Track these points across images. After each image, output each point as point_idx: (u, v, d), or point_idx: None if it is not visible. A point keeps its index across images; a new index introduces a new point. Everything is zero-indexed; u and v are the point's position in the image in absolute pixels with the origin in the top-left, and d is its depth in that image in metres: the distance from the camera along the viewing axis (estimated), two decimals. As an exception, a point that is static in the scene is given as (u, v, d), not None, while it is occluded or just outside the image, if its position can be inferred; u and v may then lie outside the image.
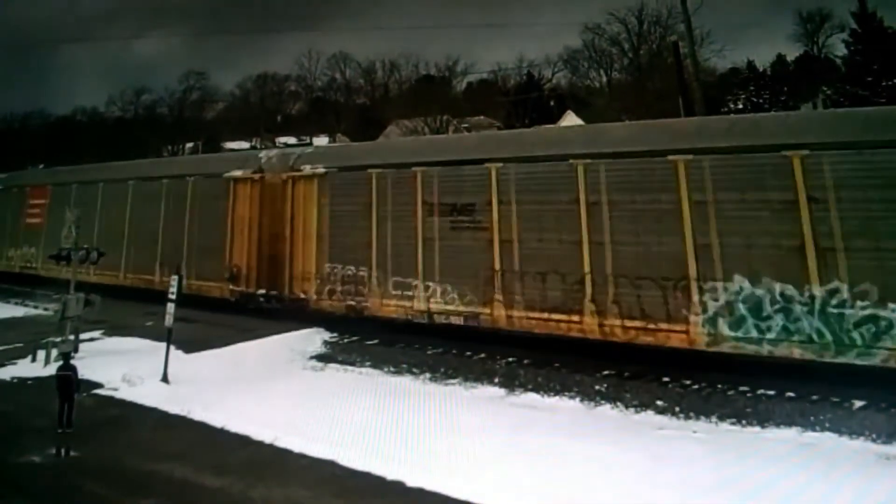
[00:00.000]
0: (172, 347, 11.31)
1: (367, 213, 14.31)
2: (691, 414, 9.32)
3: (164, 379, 10.87)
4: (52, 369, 9.88)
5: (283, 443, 8.25)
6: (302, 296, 15.06)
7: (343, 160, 15.55)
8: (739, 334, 9.89)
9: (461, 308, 12.71)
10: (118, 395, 10.47)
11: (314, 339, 13.83)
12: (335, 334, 14.05)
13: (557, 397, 10.29)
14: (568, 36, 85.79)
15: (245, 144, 64.96)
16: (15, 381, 11.37)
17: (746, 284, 9.90)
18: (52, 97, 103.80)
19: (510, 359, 11.79)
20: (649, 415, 9.46)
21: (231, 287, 16.33)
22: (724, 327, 10.03)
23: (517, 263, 12.13)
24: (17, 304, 19.35)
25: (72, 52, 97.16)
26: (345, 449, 7.86)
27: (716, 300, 10.14)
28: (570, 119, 49.20)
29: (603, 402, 9.99)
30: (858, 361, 9.02)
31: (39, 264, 21.46)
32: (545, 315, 11.68)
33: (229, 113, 75.02)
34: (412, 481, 7.07)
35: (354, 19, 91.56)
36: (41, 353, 12.01)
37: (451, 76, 66.52)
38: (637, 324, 10.77)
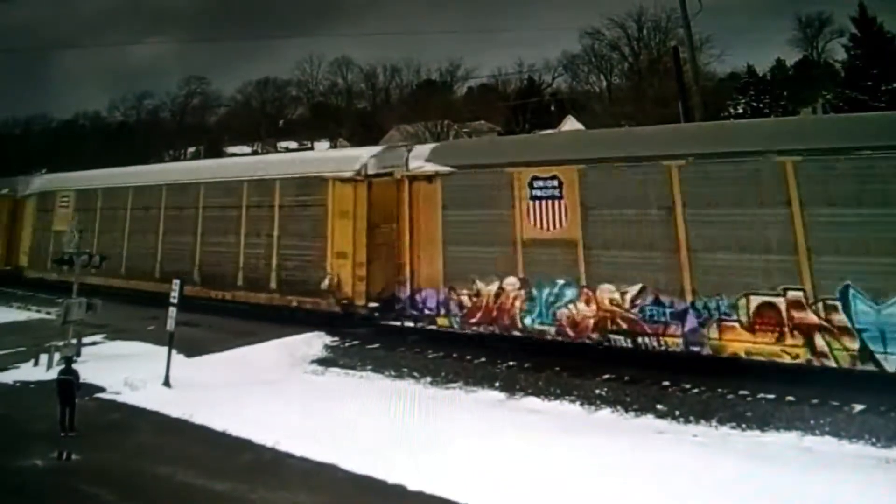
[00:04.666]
0: (174, 351, 11.34)
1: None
2: (691, 418, 9.33)
3: (166, 383, 10.91)
4: (54, 373, 9.94)
5: (284, 446, 8.27)
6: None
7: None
8: None
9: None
10: (120, 398, 10.52)
11: (315, 343, 13.84)
12: (336, 338, 14.07)
13: (558, 401, 10.31)
14: (567, 41, 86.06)
15: (247, 149, 65.27)
16: (17, 384, 11.44)
17: None
18: (55, 101, 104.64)
19: (511, 363, 11.82)
20: (649, 419, 9.48)
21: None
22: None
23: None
24: (19, 308, 19.40)
25: (74, 57, 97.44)
26: (346, 453, 7.86)
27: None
28: (571, 124, 49.31)
29: (603, 405, 10.01)
30: None
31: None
32: None
33: (231, 118, 75.12)
34: (413, 485, 7.08)
35: (356, 24, 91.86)
36: (44, 357, 12.06)
37: (452, 81, 66.87)
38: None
